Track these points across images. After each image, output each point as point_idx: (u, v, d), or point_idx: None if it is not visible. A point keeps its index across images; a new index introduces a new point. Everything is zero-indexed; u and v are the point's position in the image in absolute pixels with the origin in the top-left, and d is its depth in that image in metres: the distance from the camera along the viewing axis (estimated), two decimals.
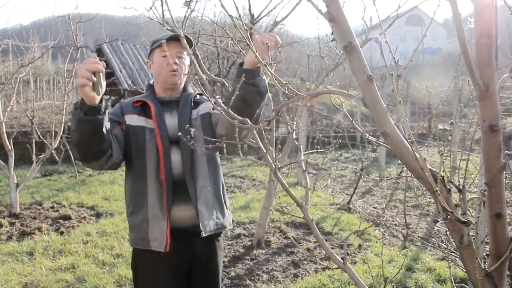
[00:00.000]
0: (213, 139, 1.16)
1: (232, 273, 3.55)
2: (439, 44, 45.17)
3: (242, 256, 3.91)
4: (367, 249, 4.11)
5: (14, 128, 6.86)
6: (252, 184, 7.27)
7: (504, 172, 0.80)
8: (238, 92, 1.22)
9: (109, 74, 11.72)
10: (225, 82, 3.10)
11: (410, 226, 4.69)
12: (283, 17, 3.66)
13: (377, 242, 4.27)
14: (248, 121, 1.08)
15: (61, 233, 4.53)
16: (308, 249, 4.09)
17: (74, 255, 3.93)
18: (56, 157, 7.77)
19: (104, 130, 1.53)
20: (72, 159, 7.61)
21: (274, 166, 1.09)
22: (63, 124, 5.80)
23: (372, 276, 3.25)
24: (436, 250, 4.03)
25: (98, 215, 5.26)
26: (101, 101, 1.48)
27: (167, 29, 2.52)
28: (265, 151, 1.10)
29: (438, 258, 3.87)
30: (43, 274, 3.51)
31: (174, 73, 1.78)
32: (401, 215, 4.96)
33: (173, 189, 1.70)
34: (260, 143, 1.14)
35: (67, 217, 5.02)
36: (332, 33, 0.86)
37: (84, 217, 5.13)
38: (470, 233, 0.86)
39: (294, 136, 3.50)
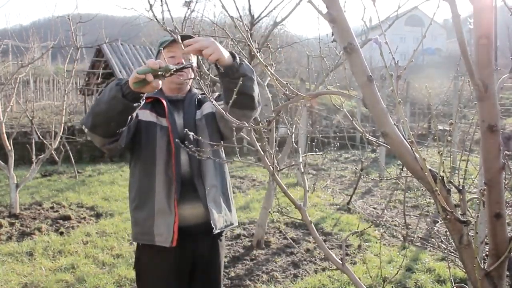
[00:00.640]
0: (213, 143, 1.16)
1: (232, 274, 3.55)
2: (439, 45, 45.14)
3: (242, 257, 3.91)
4: (367, 250, 4.11)
5: (14, 128, 6.85)
6: (252, 185, 7.27)
7: (504, 173, 0.80)
8: (234, 90, 1.23)
9: (109, 75, 11.72)
10: None
11: (409, 226, 4.69)
12: (283, 17, 3.65)
13: (376, 242, 4.27)
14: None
15: (61, 233, 4.53)
16: (308, 250, 4.10)
17: (74, 255, 3.93)
18: (56, 157, 7.76)
19: (129, 118, 1.57)
20: (72, 159, 7.63)
21: (272, 169, 1.10)
22: (62, 125, 5.80)
23: (372, 277, 3.25)
24: (435, 251, 4.03)
25: (98, 215, 5.26)
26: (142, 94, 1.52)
27: (165, 29, 2.51)
28: (262, 153, 1.10)
29: (438, 258, 3.87)
30: (43, 274, 3.51)
31: (181, 74, 1.80)
32: (401, 215, 4.96)
33: (181, 186, 1.72)
34: (258, 146, 1.14)
35: (67, 218, 5.02)
36: (332, 34, 0.87)
37: (84, 218, 5.13)
38: (470, 233, 0.86)
39: (293, 139, 3.51)
